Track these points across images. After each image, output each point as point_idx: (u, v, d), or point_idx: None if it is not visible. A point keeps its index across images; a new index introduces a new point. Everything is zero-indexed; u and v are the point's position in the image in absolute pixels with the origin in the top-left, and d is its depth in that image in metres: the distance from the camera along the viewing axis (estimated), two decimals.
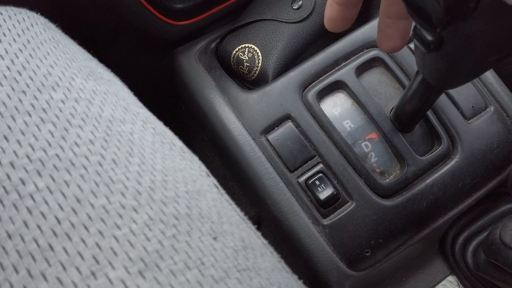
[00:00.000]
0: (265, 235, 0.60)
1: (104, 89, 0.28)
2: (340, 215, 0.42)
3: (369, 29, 0.47)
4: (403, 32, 0.30)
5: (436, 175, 0.43)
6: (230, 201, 0.28)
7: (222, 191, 0.28)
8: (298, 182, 0.43)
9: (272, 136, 0.44)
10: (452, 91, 0.45)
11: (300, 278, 0.51)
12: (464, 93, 0.45)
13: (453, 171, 0.43)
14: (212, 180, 0.28)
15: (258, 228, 0.62)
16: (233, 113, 0.46)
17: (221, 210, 0.25)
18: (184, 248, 0.21)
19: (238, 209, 0.28)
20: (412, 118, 0.41)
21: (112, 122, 0.25)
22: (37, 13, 0.32)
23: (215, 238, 0.22)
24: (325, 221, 0.42)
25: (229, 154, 0.46)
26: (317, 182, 0.43)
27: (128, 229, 0.20)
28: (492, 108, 0.45)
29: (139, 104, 0.30)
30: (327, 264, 0.42)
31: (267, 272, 0.23)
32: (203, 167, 0.29)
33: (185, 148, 0.29)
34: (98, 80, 0.28)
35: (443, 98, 0.45)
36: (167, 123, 0.73)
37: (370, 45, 0.47)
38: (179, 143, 0.29)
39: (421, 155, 0.44)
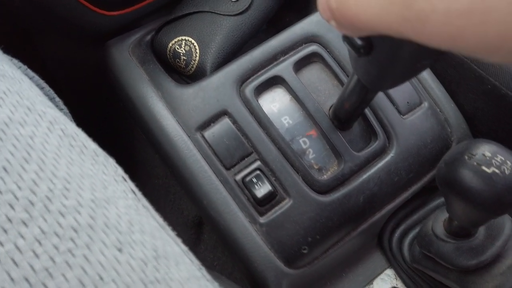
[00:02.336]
0: (208, 236, 0.59)
1: (4, 88, 0.25)
2: (277, 213, 0.42)
3: (308, 24, 0.47)
4: None
5: (372, 171, 0.43)
6: (149, 206, 0.26)
7: (140, 196, 0.26)
8: (234, 180, 0.42)
9: (208, 133, 0.43)
10: None
11: (240, 278, 0.50)
12: (400, 89, 0.46)
13: (388, 166, 0.44)
14: (129, 185, 0.26)
15: (200, 229, 0.60)
16: (167, 109, 0.44)
17: (134, 218, 0.23)
18: (80, 263, 0.19)
19: (157, 215, 0.26)
20: (350, 116, 0.41)
21: (8, 125, 0.22)
22: None
23: (120, 250, 0.21)
24: (262, 219, 0.42)
25: (164, 152, 0.44)
26: (254, 180, 0.42)
27: (13, 245, 0.18)
28: (426, 103, 0.46)
29: (48, 103, 0.28)
30: (264, 263, 0.41)
31: (180, 283, 0.22)
32: (120, 171, 0.27)
33: (99, 151, 0.27)
34: None
35: (379, 94, 0.45)
36: (104, 121, 0.70)
37: (309, 39, 0.46)
38: (92, 145, 0.27)
39: (358, 151, 0.44)
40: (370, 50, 0.26)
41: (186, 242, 0.26)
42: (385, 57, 0.26)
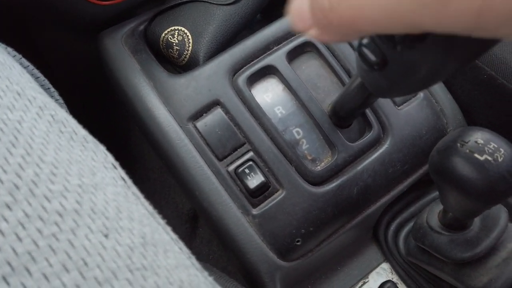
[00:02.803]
0: (203, 230, 0.58)
1: None
2: (270, 204, 0.41)
3: None
4: None
5: (366, 162, 0.43)
6: (139, 194, 0.26)
7: (130, 183, 0.26)
8: (227, 170, 0.42)
9: (200, 123, 0.42)
10: None
11: (234, 272, 0.50)
12: None
13: (383, 157, 0.43)
14: (118, 172, 0.26)
15: (195, 223, 0.60)
16: (158, 99, 0.43)
17: (122, 204, 0.23)
18: (64, 248, 0.18)
19: (146, 203, 0.26)
20: (350, 115, 0.41)
21: None
22: None
23: (106, 236, 0.20)
24: (255, 211, 0.41)
25: (156, 142, 0.44)
26: (247, 171, 0.41)
27: None
28: (421, 94, 0.46)
29: (39, 89, 0.28)
30: (256, 255, 0.41)
31: (168, 270, 0.21)
32: (110, 158, 0.26)
33: (90, 138, 0.27)
34: None
35: None
36: (101, 114, 0.69)
37: None
38: (82, 132, 0.26)
39: (352, 142, 0.43)
40: (384, 67, 0.25)
41: (181, 236, 0.26)
42: (399, 75, 0.25)
